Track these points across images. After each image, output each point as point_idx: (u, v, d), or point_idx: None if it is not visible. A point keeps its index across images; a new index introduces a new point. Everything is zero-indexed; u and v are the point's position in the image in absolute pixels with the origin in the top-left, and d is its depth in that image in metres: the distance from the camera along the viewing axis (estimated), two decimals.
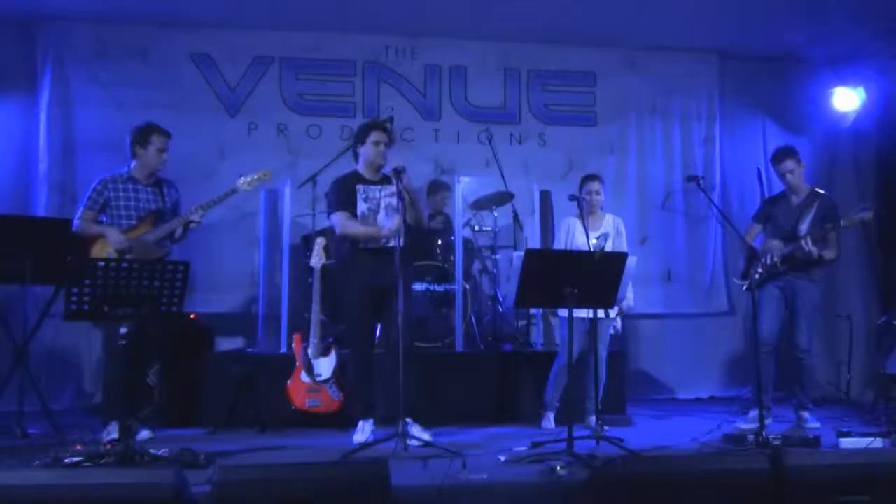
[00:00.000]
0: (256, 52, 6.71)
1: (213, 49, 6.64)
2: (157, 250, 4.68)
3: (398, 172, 4.34)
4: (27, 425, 4.75)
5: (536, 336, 6.06)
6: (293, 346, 5.01)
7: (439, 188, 6.37)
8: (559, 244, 5.17)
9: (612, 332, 5.17)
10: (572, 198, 4.92)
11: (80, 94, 6.40)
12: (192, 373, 5.20)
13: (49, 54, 6.35)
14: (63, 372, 6.16)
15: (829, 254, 4.98)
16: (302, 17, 6.48)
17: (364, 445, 4.20)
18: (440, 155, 6.91)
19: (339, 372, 4.95)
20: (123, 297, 3.68)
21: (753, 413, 5.00)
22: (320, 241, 5.10)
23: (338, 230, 4.58)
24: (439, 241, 5.94)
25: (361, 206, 4.54)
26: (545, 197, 6.33)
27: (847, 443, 4.27)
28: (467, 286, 5.74)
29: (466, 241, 6.00)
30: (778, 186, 5.35)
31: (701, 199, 5.60)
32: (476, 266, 6.28)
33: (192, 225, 4.73)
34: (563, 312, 4.36)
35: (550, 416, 5.05)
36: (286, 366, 4.96)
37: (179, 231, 4.76)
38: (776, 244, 5.04)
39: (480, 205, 6.19)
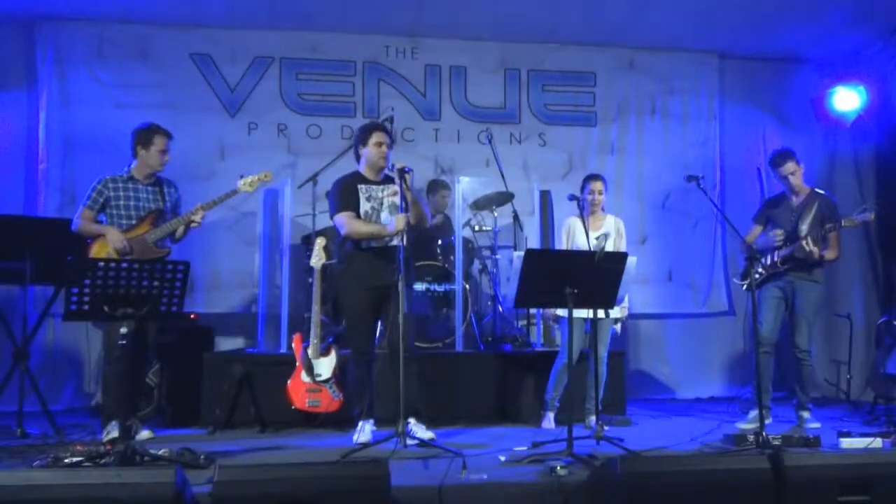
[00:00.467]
0: (256, 52, 6.71)
1: (213, 49, 6.64)
2: (157, 250, 4.67)
3: (402, 172, 4.33)
4: (27, 425, 4.76)
5: (536, 336, 6.06)
6: (293, 346, 5.00)
7: (439, 188, 6.36)
8: (560, 244, 5.17)
9: (614, 332, 5.18)
10: (572, 198, 4.92)
11: (80, 94, 6.40)
12: (192, 373, 5.20)
13: (49, 54, 6.36)
14: (63, 372, 6.17)
15: (829, 254, 4.99)
16: (302, 17, 6.48)
17: (364, 445, 4.20)
18: (440, 155, 6.91)
19: (339, 372, 4.95)
20: (123, 297, 3.68)
21: (753, 413, 5.01)
22: (320, 241, 5.10)
23: (343, 230, 4.57)
24: (439, 241, 5.95)
25: (364, 206, 4.53)
26: (545, 197, 6.32)
27: (847, 443, 4.27)
28: (467, 286, 5.74)
29: (466, 241, 6.00)
30: (778, 186, 5.35)
31: (701, 199, 5.59)
32: (476, 266, 6.28)
33: (193, 224, 4.74)
34: (564, 312, 4.35)
35: (550, 415, 5.05)
36: (286, 366, 4.96)
37: (181, 230, 4.76)
38: (776, 231, 5.04)
39: (480, 205, 6.19)
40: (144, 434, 4.63)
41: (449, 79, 7.01)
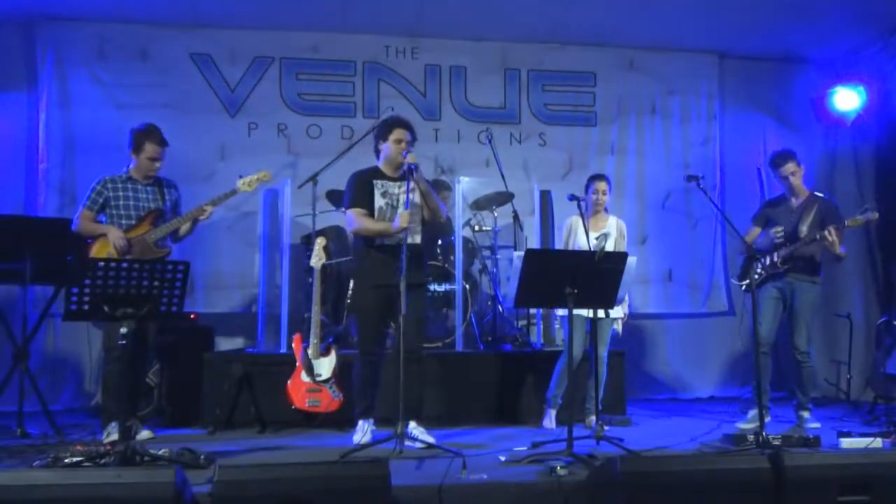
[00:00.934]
0: (256, 52, 6.71)
1: (213, 49, 6.64)
2: (157, 250, 4.67)
3: (410, 168, 4.32)
4: (27, 425, 4.76)
5: (536, 336, 6.07)
6: (293, 346, 5.00)
7: (440, 188, 6.35)
8: (562, 244, 5.17)
9: (615, 332, 5.18)
10: (572, 198, 4.92)
11: (80, 95, 6.40)
12: (192, 373, 5.20)
13: (49, 54, 6.35)
14: (63, 372, 6.17)
15: (843, 253, 4.98)
16: (302, 17, 6.48)
17: (364, 446, 4.20)
18: (440, 155, 6.91)
19: (339, 372, 4.95)
20: (123, 297, 3.68)
21: (753, 412, 5.01)
22: (320, 241, 5.10)
23: (350, 227, 4.56)
24: (439, 241, 5.95)
25: (379, 202, 4.47)
26: (545, 197, 6.33)
27: (847, 443, 4.28)
28: (467, 286, 5.74)
29: (466, 241, 6.00)
30: (778, 188, 5.35)
31: (701, 199, 5.60)
32: (476, 266, 6.28)
33: (203, 217, 4.72)
34: (564, 312, 4.35)
35: (552, 413, 5.05)
36: (286, 366, 4.96)
37: (186, 227, 4.75)
38: (776, 228, 5.03)
39: (480, 205, 6.19)
40: (144, 434, 4.62)
41: (449, 79, 7.01)
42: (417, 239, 4.49)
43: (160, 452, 3.74)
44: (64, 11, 6.26)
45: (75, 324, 5.46)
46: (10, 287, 5.38)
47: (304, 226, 6.10)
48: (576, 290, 4.02)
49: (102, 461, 3.59)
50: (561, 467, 3.48)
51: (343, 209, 4.64)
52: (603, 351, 5.00)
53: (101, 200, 4.69)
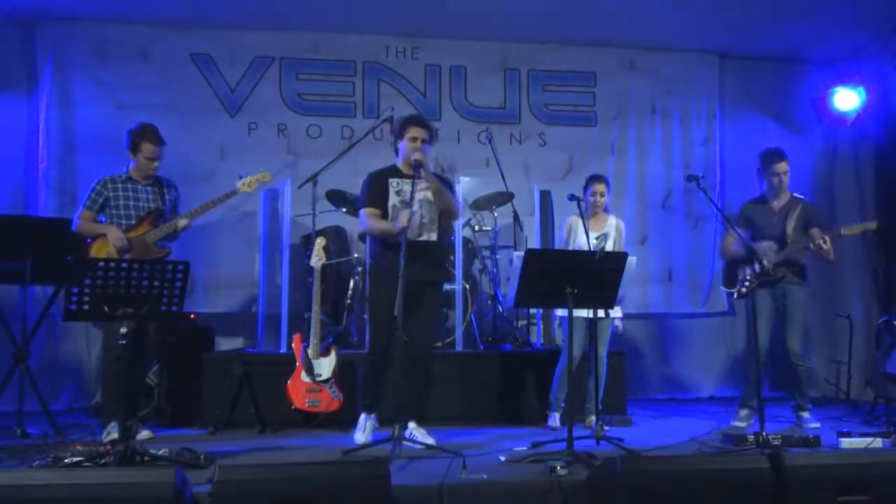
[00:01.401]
0: (256, 52, 6.71)
1: (213, 49, 6.64)
2: (157, 250, 4.68)
3: (416, 165, 4.30)
4: (27, 425, 4.75)
5: (536, 336, 6.06)
6: (293, 346, 5.00)
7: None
8: (562, 244, 5.17)
9: (615, 330, 5.17)
10: (572, 198, 4.92)
11: (80, 95, 6.40)
12: (192, 373, 5.20)
13: (49, 54, 6.35)
14: (63, 372, 6.17)
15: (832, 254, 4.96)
16: (302, 17, 6.48)
17: (364, 446, 4.20)
18: (440, 155, 6.85)
19: (338, 372, 4.95)
20: (123, 297, 3.68)
21: (745, 412, 5.09)
22: (320, 241, 5.10)
23: (360, 228, 4.56)
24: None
25: (393, 199, 4.44)
26: (545, 197, 6.33)
27: (847, 443, 4.27)
28: (467, 286, 5.74)
29: (466, 241, 6.00)
30: (759, 184, 5.33)
31: (701, 199, 5.60)
32: (476, 266, 6.28)
33: (181, 226, 4.73)
34: (564, 312, 4.35)
35: (556, 416, 5.04)
36: (286, 366, 4.96)
37: (184, 222, 4.74)
38: (768, 246, 4.99)
39: (480, 205, 6.19)
40: (144, 434, 4.63)
41: (449, 79, 7.01)
42: (433, 236, 4.47)
43: (160, 452, 3.74)
44: (64, 11, 6.26)
45: (75, 324, 5.47)
46: (10, 287, 5.38)
47: (304, 226, 6.10)
48: (576, 290, 4.02)
49: (102, 461, 3.59)
50: (561, 467, 3.48)
51: (356, 208, 4.61)
52: (602, 351, 5.00)
53: (101, 200, 4.69)
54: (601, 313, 4.78)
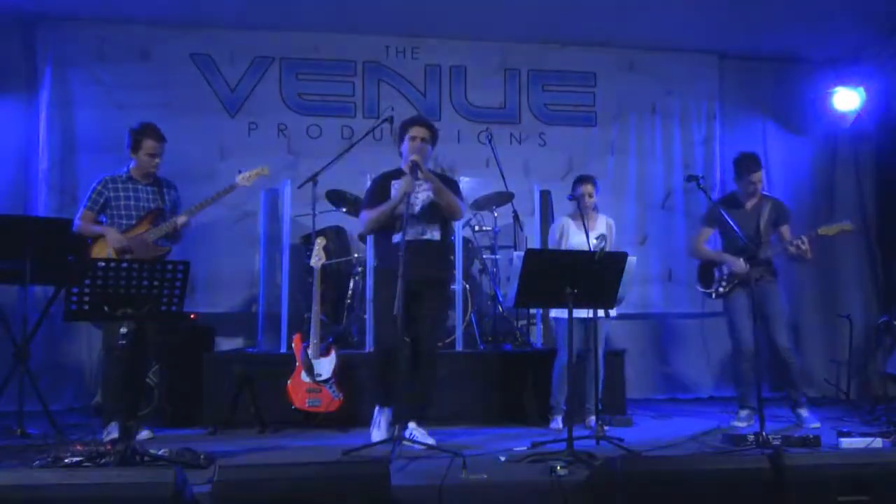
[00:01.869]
0: (256, 52, 6.71)
1: (213, 49, 6.64)
2: (157, 250, 4.68)
3: (412, 165, 4.29)
4: (27, 425, 4.75)
5: (536, 336, 6.06)
6: (293, 346, 5.00)
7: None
8: (553, 245, 5.16)
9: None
10: (572, 198, 4.92)
11: (80, 95, 6.40)
12: (192, 373, 5.20)
13: (49, 54, 6.35)
14: (63, 372, 6.17)
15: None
16: (302, 17, 6.48)
17: (364, 446, 4.20)
18: (440, 155, 6.83)
19: (338, 372, 4.95)
20: (123, 297, 3.68)
21: (745, 412, 5.08)
22: (320, 241, 5.10)
23: (359, 230, 4.55)
24: None
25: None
26: (545, 197, 6.32)
27: (847, 443, 4.27)
28: (467, 286, 5.74)
29: (466, 241, 6.00)
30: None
31: (701, 199, 5.60)
32: (476, 266, 6.28)
33: (181, 223, 4.74)
34: (563, 313, 4.35)
35: (559, 419, 5.03)
36: (286, 366, 4.96)
37: (183, 219, 4.75)
38: (741, 264, 5.02)
39: (480, 205, 6.19)
40: (144, 434, 4.63)
41: (449, 79, 7.01)
42: (436, 236, 4.48)
43: (160, 452, 3.74)
44: (64, 11, 6.26)
45: (75, 324, 5.47)
46: (10, 287, 5.38)
47: (304, 226, 6.10)
48: (575, 291, 4.02)
49: (102, 461, 3.59)
50: (561, 467, 3.48)
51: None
52: (601, 350, 4.98)
53: (101, 201, 4.70)
54: (601, 313, 4.77)
